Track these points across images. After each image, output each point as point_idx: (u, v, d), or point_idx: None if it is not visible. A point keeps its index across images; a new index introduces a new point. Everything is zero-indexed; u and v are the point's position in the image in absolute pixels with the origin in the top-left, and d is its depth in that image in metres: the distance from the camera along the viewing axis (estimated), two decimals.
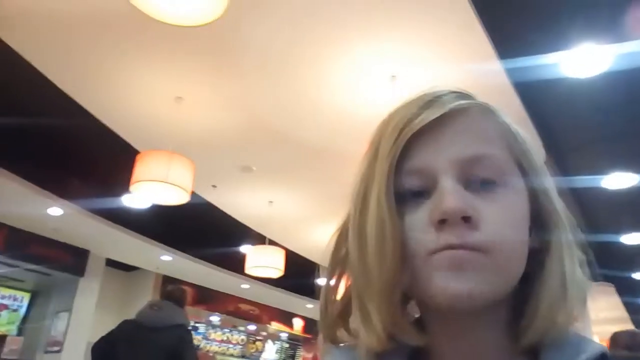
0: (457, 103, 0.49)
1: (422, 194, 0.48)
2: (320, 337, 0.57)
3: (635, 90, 3.48)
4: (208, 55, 3.55)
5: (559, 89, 3.53)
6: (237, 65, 3.61)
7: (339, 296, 0.55)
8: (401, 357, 0.51)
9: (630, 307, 9.66)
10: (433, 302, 0.47)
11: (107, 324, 3.98)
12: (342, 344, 0.56)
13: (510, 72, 3.36)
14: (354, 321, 0.52)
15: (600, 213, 5.65)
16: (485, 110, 0.51)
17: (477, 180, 0.47)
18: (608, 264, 7.46)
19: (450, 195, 0.45)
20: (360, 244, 0.49)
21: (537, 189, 0.50)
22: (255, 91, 3.90)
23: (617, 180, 4.71)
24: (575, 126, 3.96)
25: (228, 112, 4.22)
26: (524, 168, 0.50)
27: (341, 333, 0.55)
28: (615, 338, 2.69)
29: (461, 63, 3.35)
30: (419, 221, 0.47)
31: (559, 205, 0.52)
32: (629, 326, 9.67)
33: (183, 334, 3.49)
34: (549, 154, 4.28)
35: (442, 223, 0.45)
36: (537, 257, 0.49)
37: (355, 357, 0.52)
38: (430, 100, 0.50)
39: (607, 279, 8.11)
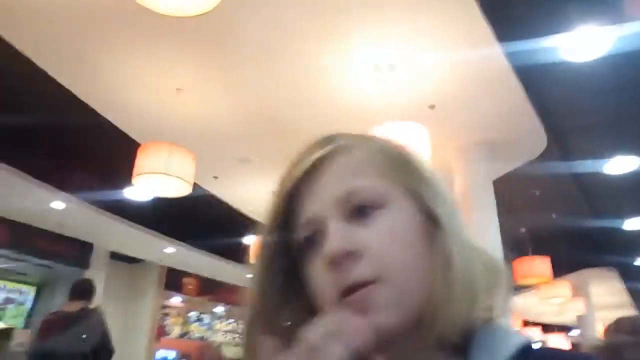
0: (324, 150, 0.53)
1: (318, 238, 0.51)
2: None
3: (636, 73, 3.45)
4: (206, 46, 3.54)
5: (559, 72, 3.52)
6: (234, 56, 3.60)
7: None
8: None
9: (632, 293, 9.68)
10: None
11: (114, 316, 4.02)
12: None
13: (510, 55, 3.34)
14: None
15: (602, 198, 5.65)
16: (359, 145, 0.55)
17: (358, 211, 0.50)
18: (610, 250, 7.46)
19: (331, 238, 0.49)
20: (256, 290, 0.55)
21: (423, 196, 0.52)
22: (252, 82, 3.89)
23: (619, 165, 4.70)
24: (576, 110, 3.95)
25: (227, 104, 4.21)
26: (406, 182, 0.53)
27: None
28: (618, 323, 2.71)
29: (460, 48, 3.33)
30: (317, 268, 0.50)
31: (451, 208, 0.53)
32: (631, 312, 9.68)
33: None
34: (550, 138, 4.27)
35: (333, 265, 0.48)
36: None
37: None
38: (305, 153, 0.55)
39: (610, 264, 8.12)
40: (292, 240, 0.53)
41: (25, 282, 6.91)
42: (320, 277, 0.50)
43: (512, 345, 0.48)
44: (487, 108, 4.00)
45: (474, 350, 0.49)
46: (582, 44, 3.18)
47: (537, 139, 4.31)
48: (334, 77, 3.78)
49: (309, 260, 0.52)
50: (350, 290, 0.47)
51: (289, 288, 0.54)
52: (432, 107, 3.99)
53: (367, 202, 0.50)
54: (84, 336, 3.53)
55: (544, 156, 4.41)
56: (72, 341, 3.45)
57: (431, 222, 0.51)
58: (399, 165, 0.54)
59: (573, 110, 3.95)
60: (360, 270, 0.47)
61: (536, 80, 3.59)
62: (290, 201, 0.53)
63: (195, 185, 4.09)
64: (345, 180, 0.52)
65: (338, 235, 0.49)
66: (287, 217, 0.54)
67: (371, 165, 0.53)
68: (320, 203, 0.51)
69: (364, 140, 0.56)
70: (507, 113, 3.99)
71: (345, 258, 0.48)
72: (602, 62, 3.31)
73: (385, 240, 0.49)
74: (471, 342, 0.50)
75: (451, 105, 3.96)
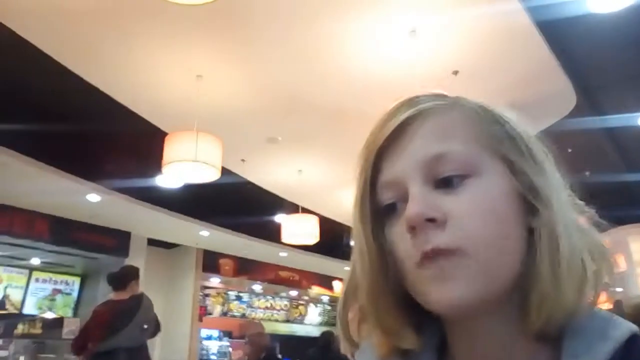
0: (415, 109, 0.49)
1: (400, 204, 0.48)
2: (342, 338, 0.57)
3: None
4: (222, 30, 3.53)
5: (585, 25, 3.39)
6: (251, 37, 3.59)
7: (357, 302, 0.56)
8: (429, 354, 0.51)
9: None
10: (435, 312, 0.47)
11: (155, 300, 4.14)
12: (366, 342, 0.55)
13: (531, 10, 3.23)
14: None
15: (637, 151, 5.47)
16: (451, 106, 0.51)
17: (445, 178, 0.47)
18: None
19: (412, 202, 0.46)
20: (354, 259, 0.52)
21: (522, 169, 0.48)
22: (272, 61, 3.88)
23: None
24: (604, 64, 3.81)
25: (248, 86, 4.22)
26: (502, 152, 0.48)
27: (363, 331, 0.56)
28: None
29: (479, 7, 3.24)
30: (399, 232, 0.47)
31: (552, 179, 0.49)
32: None
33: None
34: (579, 94, 4.14)
35: (413, 230, 0.45)
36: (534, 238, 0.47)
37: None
38: (393, 112, 0.50)
39: None
40: (376, 206, 0.50)
41: (70, 274, 7.19)
42: (399, 241, 0.47)
43: (615, 338, 0.43)
44: (511, 69, 3.90)
45: (569, 340, 0.44)
46: None
47: (566, 96, 4.18)
48: (354, 49, 3.73)
49: (390, 227, 0.49)
50: (429, 257, 0.44)
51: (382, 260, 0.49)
52: (455, 72, 3.92)
53: (456, 170, 0.46)
54: (145, 326, 3.62)
55: (575, 113, 4.29)
56: (135, 333, 3.54)
57: (531, 196, 0.47)
58: (495, 131, 0.49)
59: (601, 64, 3.81)
60: (440, 238, 0.44)
61: (561, 36, 3.48)
62: (377, 164, 0.50)
63: (223, 169, 4.14)
64: (435, 143, 0.47)
65: (420, 199, 0.45)
66: (374, 181, 0.50)
67: (464, 128, 0.48)
68: (403, 165, 0.48)
69: (456, 101, 0.52)
70: (533, 72, 3.88)
71: (426, 224, 0.44)
72: (629, 12, 3.17)
73: (472, 211, 0.45)
74: (566, 330, 0.45)
75: (475, 69, 3.87)
